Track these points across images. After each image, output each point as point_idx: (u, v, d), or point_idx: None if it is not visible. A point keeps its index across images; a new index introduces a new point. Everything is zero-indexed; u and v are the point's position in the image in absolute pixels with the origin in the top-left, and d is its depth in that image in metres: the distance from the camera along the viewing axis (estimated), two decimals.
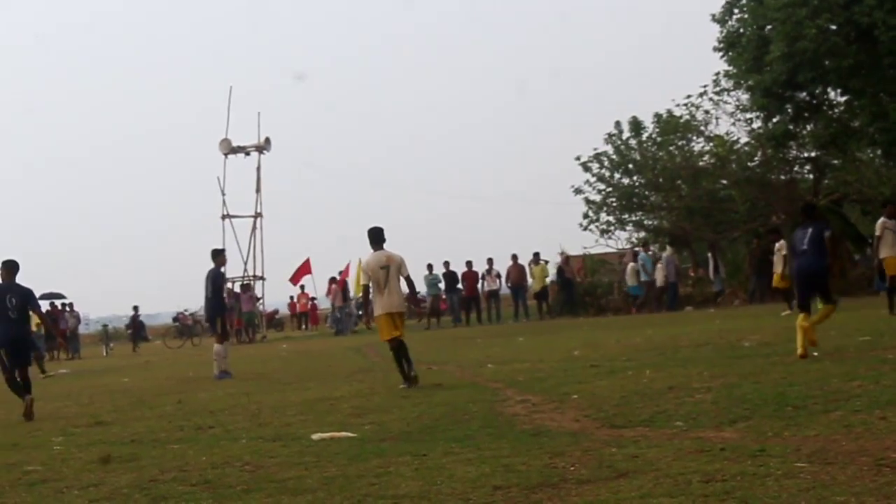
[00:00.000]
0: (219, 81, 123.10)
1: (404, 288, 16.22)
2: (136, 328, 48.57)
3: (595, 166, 42.62)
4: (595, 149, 42.66)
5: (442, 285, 40.58)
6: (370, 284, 16.31)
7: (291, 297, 56.40)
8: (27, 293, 16.00)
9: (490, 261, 40.14)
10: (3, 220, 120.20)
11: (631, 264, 38.77)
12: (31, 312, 16.22)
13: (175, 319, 49.66)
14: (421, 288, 39.65)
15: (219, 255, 21.76)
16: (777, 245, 26.11)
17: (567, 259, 40.98)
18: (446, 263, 40.35)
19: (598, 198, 42.65)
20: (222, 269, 22.15)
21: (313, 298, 52.92)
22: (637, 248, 40.73)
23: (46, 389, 21.87)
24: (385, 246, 16.03)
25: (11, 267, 15.92)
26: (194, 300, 55.00)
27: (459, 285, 39.83)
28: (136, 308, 48.75)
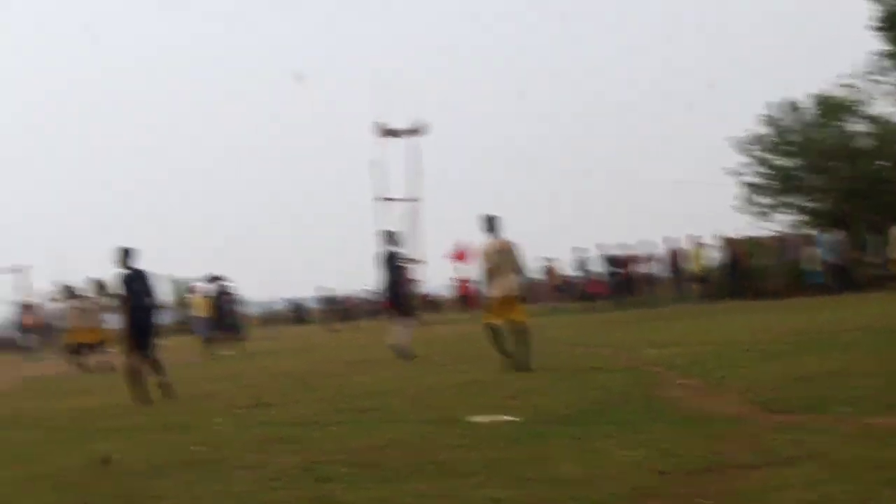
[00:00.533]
0: (372, 64, 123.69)
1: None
2: (299, 311, 49.41)
3: (752, 148, 41.98)
4: (750, 130, 42.00)
5: (596, 267, 40.44)
6: (487, 270, 16.56)
7: (454, 280, 56.81)
8: (149, 278, 16.58)
9: (647, 243, 39.86)
10: (189, 209, 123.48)
11: (810, 248, 37.97)
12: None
13: (334, 302, 50.23)
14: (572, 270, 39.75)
15: (392, 236, 22.33)
16: None
17: (731, 241, 40.40)
18: (601, 246, 40.18)
19: (755, 180, 42.01)
20: (396, 250, 22.34)
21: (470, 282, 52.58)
22: (810, 233, 39.88)
23: (210, 371, 22.38)
24: (501, 232, 16.53)
25: (129, 253, 16.43)
26: (354, 284, 55.76)
27: (617, 268, 39.64)
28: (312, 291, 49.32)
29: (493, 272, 16.35)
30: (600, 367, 15.22)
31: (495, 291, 16.38)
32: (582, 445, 8.52)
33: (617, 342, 20.12)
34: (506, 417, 10.60)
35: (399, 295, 22.04)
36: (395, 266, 21.87)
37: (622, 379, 13.43)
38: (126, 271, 16.34)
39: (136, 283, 16.34)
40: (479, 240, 16.63)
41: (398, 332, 21.54)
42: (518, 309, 16.31)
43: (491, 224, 16.57)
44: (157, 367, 16.49)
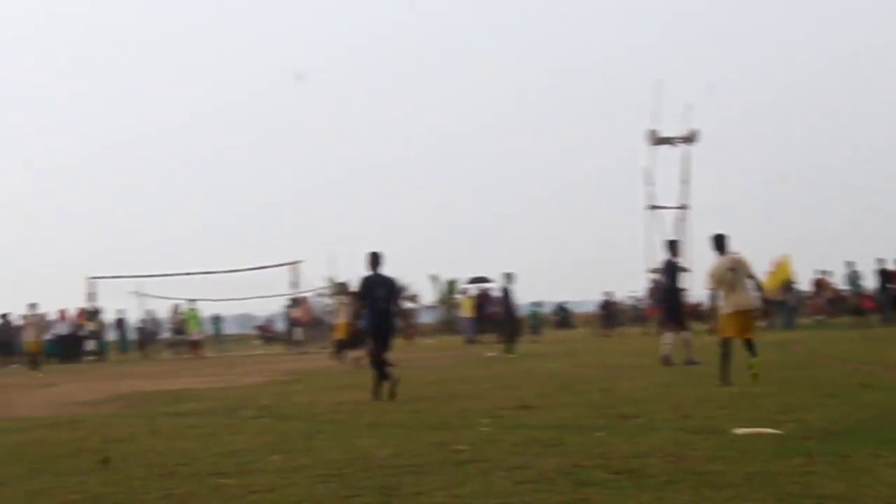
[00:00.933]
0: (646, 73, 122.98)
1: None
2: (564, 315, 49.55)
3: None
4: None
5: (867, 282, 39.32)
6: (718, 287, 16.89)
7: None
8: (393, 284, 17.40)
9: None
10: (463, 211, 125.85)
11: None
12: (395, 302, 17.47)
13: (603, 307, 50.16)
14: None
15: (674, 246, 23.14)
16: None
17: None
18: (880, 260, 38.96)
19: None
20: (676, 260, 22.99)
21: None
22: None
23: (474, 371, 22.66)
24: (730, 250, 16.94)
25: (377, 259, 17.10)
26: (622, 290, 55.52)
27: (891, 283, 38.38)
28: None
29: (727, 289, 16.68)
30: (869, 385, 14.83)
31: (730, 308, 16.67)
32: (848, 463, 8.36)
33: (888, 360, 19.55)
34: (770, 430, 10.48)
35: (674, 304, 22.51)
36: (673, 275, 22.46)
37: (892, 397, 13.07)
38: (369, 275, 17.05)
39: (378, 287, 16.99)
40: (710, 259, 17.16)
41: (668, 340, 21.81)
42: (752, 325, 16.93)
43: (719, 243, 16.98)
44: (386, 367, 17.05)
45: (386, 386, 16.79)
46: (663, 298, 23.00)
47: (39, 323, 37.27)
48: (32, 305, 36.74)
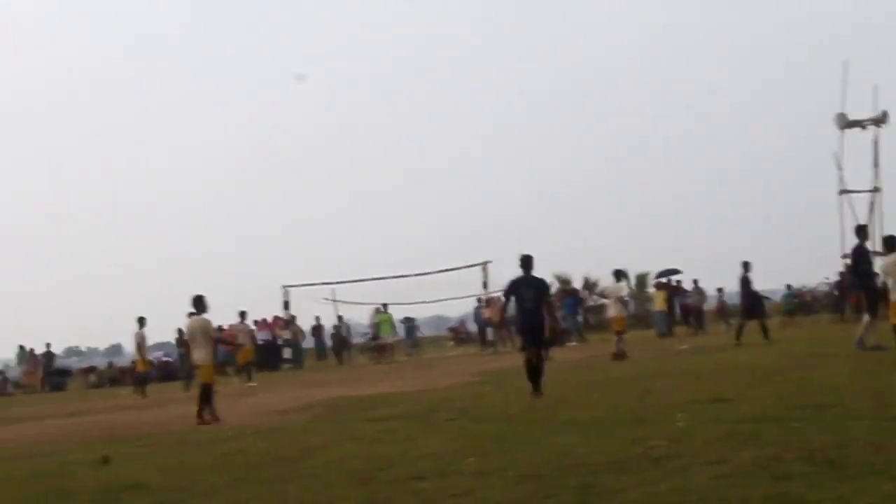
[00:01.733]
0: (840, 54, 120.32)
1: None
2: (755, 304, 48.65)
3: None
4: None
5: None
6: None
7: None
8: (542, 285, 18.18)
9: None
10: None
11: None
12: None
13: (792, 297, 49.22)
14: None
15: (861, 231, 23.73)
16: None
17: None
18: None
19: None
20: (866, 245, 23.36)
21: None
22: None
23: (665, 365, 22.51)
24: None
25: (527, 261, 17.88)
26: (814, 277, 54.42)
27: None
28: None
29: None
30: None
31: None
32: None
33: None
34: None
35: (867, 289, 22.43)
36: (864, 261, 22.64)
37: None
38: (517, 276, 17.92)
39: (522, 287, 17.73)
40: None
41: (863, 326, 21.62)
42: None
43: (890, 243, 19.73)
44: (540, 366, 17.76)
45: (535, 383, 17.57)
46: (856, 284, 23.50)
47: (250, 332, 37.76)
48: (243, 314, 37.15)
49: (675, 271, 47.95)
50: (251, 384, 32.48)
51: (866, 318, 21.96)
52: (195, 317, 19.73)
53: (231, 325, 36.48)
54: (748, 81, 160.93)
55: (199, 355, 19.35)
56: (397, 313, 47.89)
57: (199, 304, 19.54)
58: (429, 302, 49.39)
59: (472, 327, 51.31)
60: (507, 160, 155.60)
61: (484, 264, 44.51)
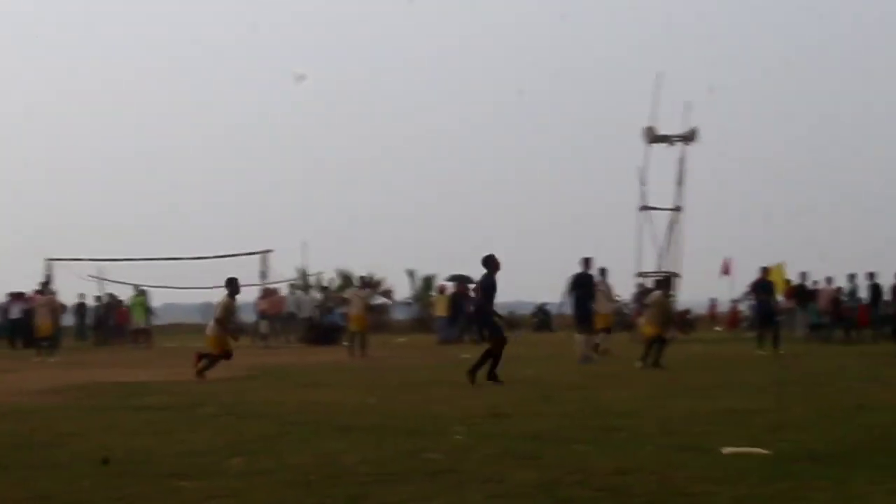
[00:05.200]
0: (645, 68, 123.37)
1: None
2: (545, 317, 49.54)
3: None
4: None
5: (863, 295, 39.35)
6: None
7: (713, 299, 57.45)
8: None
9: None
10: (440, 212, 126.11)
11: None
12: None
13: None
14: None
15: (587, 262, 26.67)
16: None
17: None
18: (870, 275, 38.96)
19: None
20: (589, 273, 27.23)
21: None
22: None
23: (450, 375, 22.58)
24: None
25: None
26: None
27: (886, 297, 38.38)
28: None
29: None
30: (866, 405, 14.82)
31: None
32: (842, 489, 8.33)
33: (888, 378, 19.59)
34: (760, 450, 10.45)
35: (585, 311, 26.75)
36: (584, 287, 26.61)
37: (890, 419, 13.08)
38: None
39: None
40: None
41: (580, 343, 26.42)
42: None
43: None
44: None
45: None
46: (578, 306, 26.87)
47: (51, 304, 36.78)
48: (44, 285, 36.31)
49: (465, 277, 48.21)
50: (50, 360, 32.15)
51: (579, 336, 26.60)
52: None
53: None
54: (559, 88, 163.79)
55: None
56: (164, 298, 47.12)
57: None
58: (202, 288, 48.66)
59: (249, 318, 50.91)
60: (292, 150, 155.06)
61: (264, 253, 44.13)
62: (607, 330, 29.94)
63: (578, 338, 26.77)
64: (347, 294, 37.25)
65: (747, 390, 17.41)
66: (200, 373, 22.29)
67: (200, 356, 22.83)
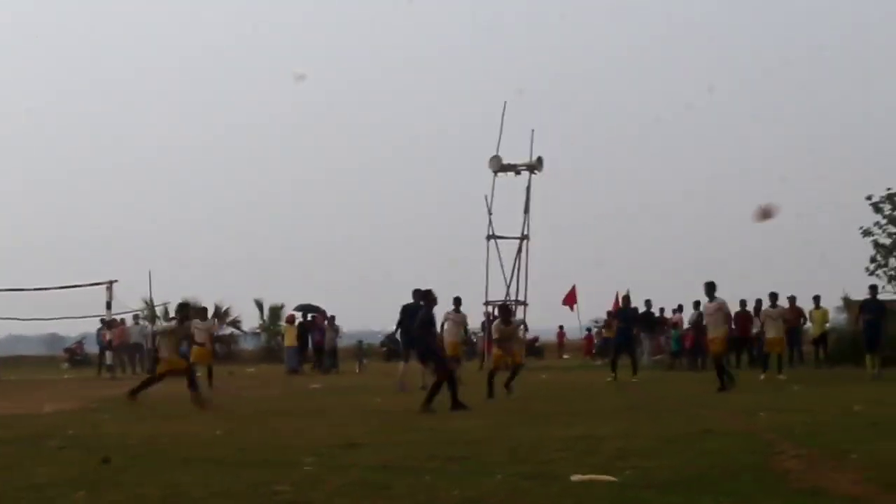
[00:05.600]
0: (488, 95, 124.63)
1: None
2: (394, 346, 49.59)
3: (887, 207, 41.58)
4: (889, 189, 41.71)
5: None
6: None
7: (560, 326, 58.09)
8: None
9: (760, 301, 38.90)
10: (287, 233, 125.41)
11: None
12: None
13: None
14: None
15: (428, 295, 25.53)
16: None
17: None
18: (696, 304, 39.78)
19: (888, 241, 41.68)
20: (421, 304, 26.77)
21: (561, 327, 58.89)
22: None
23: (299, 405, 22.49)
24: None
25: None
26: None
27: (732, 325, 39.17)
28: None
29: None
30: (712, 431, 15.05)
31: None
32: None
33: (731, 405, 19.95)
34: (608, 478, 10.55)
35: (409, 341, 26.78)
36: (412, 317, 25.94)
37: (735, 445, 13.28)
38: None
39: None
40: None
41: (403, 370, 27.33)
42: None
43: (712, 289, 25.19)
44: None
45: None
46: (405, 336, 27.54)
47: None
48: None
49: (313, 307, 48.12)
50: None
51: (402, 364, 27.67)
52: None
53: None
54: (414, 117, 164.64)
55: None
56: (13, 329, 46.10)
57: None
58: (45, 319, 47.65)
59: (93, 349, 50.14)
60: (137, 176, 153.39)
61: (109, 284, 43.38)
62: (456, 359, 30.06)
63: (401, 366, 27.89)
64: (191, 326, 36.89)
65: (596, 417, 17.59)
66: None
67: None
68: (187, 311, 25.86)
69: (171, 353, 24.30)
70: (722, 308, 25.66)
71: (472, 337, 50.22)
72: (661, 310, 43.56)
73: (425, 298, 21.62)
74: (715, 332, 25.33)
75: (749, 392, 23.91)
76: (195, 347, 30.94)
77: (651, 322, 42.11)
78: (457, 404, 19.82)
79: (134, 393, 23.32)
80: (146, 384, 23.96)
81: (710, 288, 25.19)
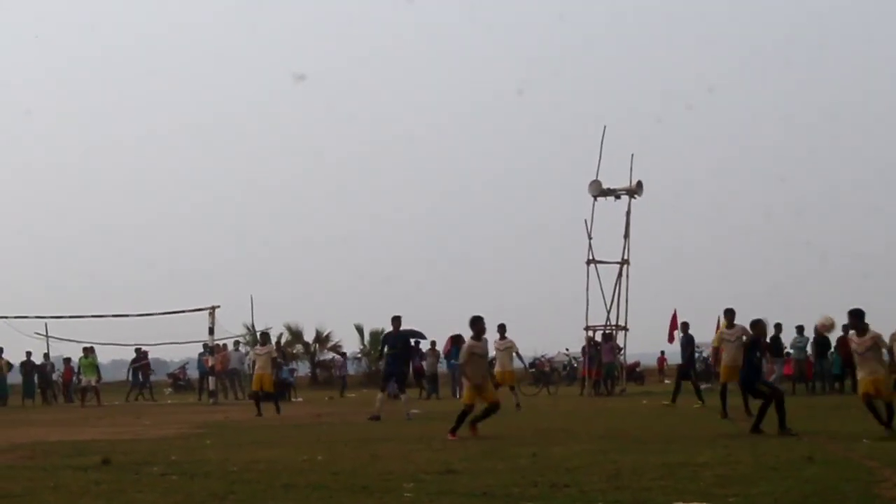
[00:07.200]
0: (590, 122, 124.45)
1: None
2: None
3: None
4: None
5: (809, 349, 39.72)
6: None
7: (662, 352, 57.71)
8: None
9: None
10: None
11: None
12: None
13: (531, 365, 50.10)
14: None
15: (398, 319, 27.43)
16: None
17: None
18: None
19: None
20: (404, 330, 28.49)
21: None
22: None
23: (400, 430, 22.54)
24: None
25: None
26: (553, 346, 55.60)
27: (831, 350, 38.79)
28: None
29: None
30: (814, 458, 14.88)
31: None
32: None
33: (833, 430, 19.70)
34: None
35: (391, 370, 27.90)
36: (391, 345, 27.45)
37: (837, 472, 13.13)
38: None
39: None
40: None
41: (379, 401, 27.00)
42: None
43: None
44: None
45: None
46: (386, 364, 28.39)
47: None
48: None
49: (417, 333, 48.14)
50: None
51: (380, 395, 27.30)
52: None
53: None
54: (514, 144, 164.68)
55: None
56: (112, 354, 46.80)
57: None
58: (150, 344, 48.28)
59: (194, 374, 50.69)
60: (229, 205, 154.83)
61: (212, 309, 43.86)
62: (511, 387, 31.48)
63: (379, 395, 27.59)
64: (251, 353, 37.85)
65: (697, 443, 17.45)
66: None
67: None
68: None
69: None
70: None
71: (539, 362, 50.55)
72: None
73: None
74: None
75: (852, 417, 23.57)
76: (257, 373, 31.24)
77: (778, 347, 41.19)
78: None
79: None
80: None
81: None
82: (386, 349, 28.08)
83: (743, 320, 23.41)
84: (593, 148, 43.73)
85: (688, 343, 33.49)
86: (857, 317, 18.83)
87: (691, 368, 33.75)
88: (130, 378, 49.58)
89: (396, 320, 27.52)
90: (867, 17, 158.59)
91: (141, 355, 48.44)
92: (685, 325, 34.31)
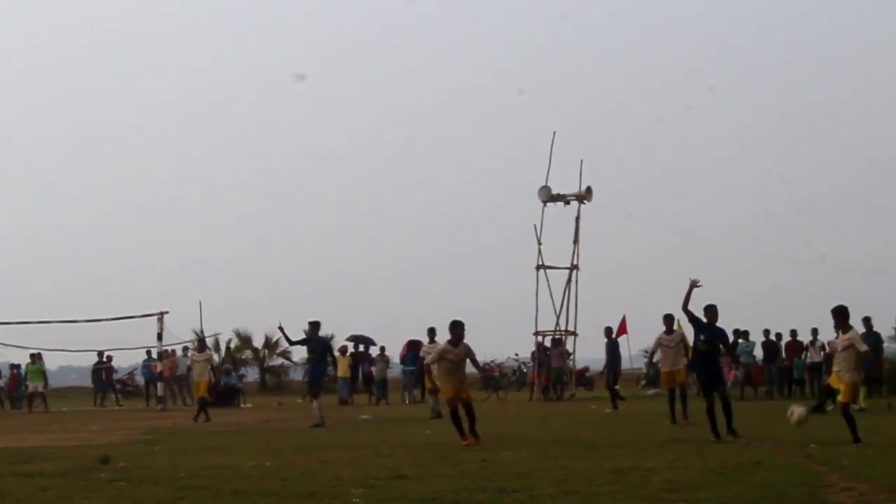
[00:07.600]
0: (536, 127, 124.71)
1: None
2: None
3: None
4: None
5: (758, 353, 39.91)
6: None
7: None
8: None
9: (815, 331, 38.68)
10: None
11: None
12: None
13: (481, 369, 50.12)
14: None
15: (314, 326, 28.04)
16: None
17: None
18: (766, 332, 39.64)
19: None
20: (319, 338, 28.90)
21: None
22: None
23: (348, 436, 22.52)
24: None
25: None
26: (502, 352, 55.58)
27: (783, 355, 39.05)
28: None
29: None
30: (761, 463, 14.97)
31: None
32: None
33: (780, 436, 19.80)
34: None
35: (316, 375, 28.13)
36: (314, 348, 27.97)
37: (785, 477, 13.22)
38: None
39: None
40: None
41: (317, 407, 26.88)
42: None
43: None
44: None
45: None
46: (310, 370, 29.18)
47: None
48: None
49: (365, 338, 48.08)
50: None
51: (315, 402, 27.17)
52: None
53: None
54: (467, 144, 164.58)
55: None
56: (58, 361, 46.40)
57: None
58: (96, 350, 47.90)
59: (142, 380, 50.42)
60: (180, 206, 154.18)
61: (160, 315, 43.62)
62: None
63: (315, 403, 27.48)
64: (189, 359, 38.01)
65: (645, 448, 17.52)
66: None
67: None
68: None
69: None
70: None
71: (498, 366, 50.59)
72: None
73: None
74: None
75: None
76: (195, 379, 31.58)
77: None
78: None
79: None
80: None
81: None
82: (307, 353, 29.11)
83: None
84: (545, 154, 43.82)
85: (612, 348, 34.12)
86: (840, 315, 18.66)
87: (612, 374, 34.39)
88: (93, 383, 49.16)
89: (315, 325, 27.92)
90: (867, 17, 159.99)
91: (104, 359, 48.05)
92: (608, 330, 34.87)
